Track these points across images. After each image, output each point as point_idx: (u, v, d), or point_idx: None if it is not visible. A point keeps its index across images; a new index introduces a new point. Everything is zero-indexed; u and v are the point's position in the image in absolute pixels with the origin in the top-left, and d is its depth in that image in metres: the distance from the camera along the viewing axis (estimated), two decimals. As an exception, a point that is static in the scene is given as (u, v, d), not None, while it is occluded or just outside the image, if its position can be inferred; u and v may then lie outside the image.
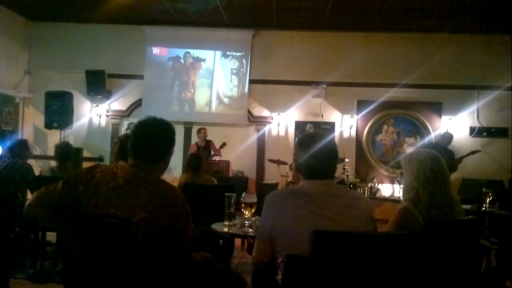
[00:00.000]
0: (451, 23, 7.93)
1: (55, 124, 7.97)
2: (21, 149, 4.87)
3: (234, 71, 8.79)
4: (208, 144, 7.95)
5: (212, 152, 7.87)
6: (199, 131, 8.02)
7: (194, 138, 8.58)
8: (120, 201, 1.77)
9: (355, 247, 1.75)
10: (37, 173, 5.07)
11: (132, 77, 8.84)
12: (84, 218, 1.83)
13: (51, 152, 8.36)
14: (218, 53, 8.83)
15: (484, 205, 4.45)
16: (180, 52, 8.90)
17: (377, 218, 1.97)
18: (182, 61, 8.89)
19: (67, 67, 8.78)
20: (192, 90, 8.82)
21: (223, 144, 7.88)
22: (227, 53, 8.81)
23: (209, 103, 8.81)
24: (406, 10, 7.38)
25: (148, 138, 1.90)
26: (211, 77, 8.83)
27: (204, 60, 8.84)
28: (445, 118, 8.38)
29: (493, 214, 2.82)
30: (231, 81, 8.80)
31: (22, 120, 8.83)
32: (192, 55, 8.88)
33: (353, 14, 7.72)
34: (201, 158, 4.82)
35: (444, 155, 2.39)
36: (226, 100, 8.77)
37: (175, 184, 4.69)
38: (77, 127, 8.66)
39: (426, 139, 8.29)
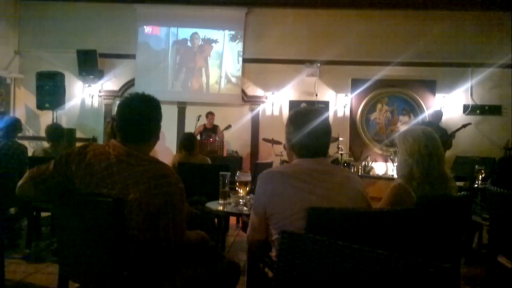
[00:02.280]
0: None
1: (47, 105, 7.89)
2: (14, 130, 4.83)
3: (241, 53, 8.72)
4: (216, 128, 7.96)
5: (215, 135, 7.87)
6: (207, 116, 8.00)
7: (188, 118, 8.57)
8: (113, 180, 1.75)
9: (349, 223, 1.75)
10: (30, 154, 5.05)
11: (125, 56, 8.74)
12: (77, 198, 1.82)
13: (43, 132, 8.25)
14: (227, 36, 8.72)
15: (477, 182, 4.49)
16: (187, 33, 8.77)
17: (371, 196, 1.97)
18: (189, 43, 8.77)
19: (58, 47, 8.66)
20: (202, 78, 8.75)
21: (228, 126, 7.88)
22: (236, 34, 8.71)
23: (218, 82, 8.75)
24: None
25: (134, 117, 1.86)
26: (220, 58, 8.75)
27: (216, 41, 8.73)
28: (439, 96, 8.39)
29: (486, 190, 2.85)
30: (238, 62, 8.74)
31: (14, 101, 8.74)
32: (201, 37, 8.76)
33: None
34: (194, 137, 4.80)
35: (437, 132, 2.40)
36: (234, 79, 8.72)
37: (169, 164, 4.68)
38: (69, 107, 8.58)
39: (420, 118, 8.32)
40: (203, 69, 8.77)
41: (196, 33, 8.78)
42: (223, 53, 8.74)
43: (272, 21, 8.66)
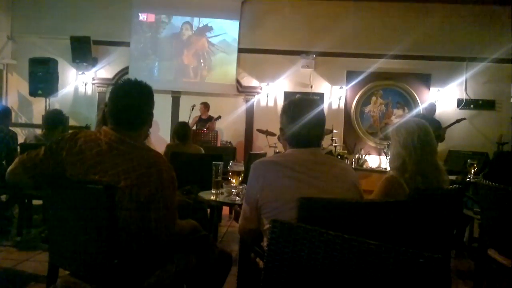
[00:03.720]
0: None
1: (39, 92, 7.81)
2: (4, 117, 4.76)
3: (237, 43, 8.67)
4: (211, 118, 7.91)
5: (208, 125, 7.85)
6: (200, 106, 7.97)
7: (182, 108, 8.53)
8: (104, 167, 1.73)
9: (341, 214, 1.75)
10: (21, 141, 4.99)
11: (119, 44, 8.66)
12: (68, 184, 1.80)
13: (36, 120, 8.26)
14: (225, 25, 8.63)
15: (469, 176, 4.51)
16: (181, 22, 8.68)
17: (364, 189, 1.97)
18: (182, 35, 8.70)
19: (52, 33, 8.55)
20: (198, 71, 8.68)
21: (218, 117, 7.86)
22: (232, 24, 8.62)
23: (218, 73, 8.68)
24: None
25: (126, 104, 1.84)
26: (220, 48, 8.67)
27: (210, 30, 8.62)
28: (433, 90, 8.40)
29: (477, 184, 2.86)
30: (234, 52, 8.67)
31: (6, 88, 8.65)
32: (194, 28, 8.66)
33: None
34: (188, 126, 4.77)
35: (430, 125, 2.40)
36: (230, 70, 8.66)
37: (162, 152, 4.66)
38: (62, 95, 8.49)
39: (414, 111, 8.33)
40: (200, 62, 8.69)
41: (187, 22, 8.69)
42: (220, 44, 8.67)
43: (268, 11, 8.61)
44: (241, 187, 2.75)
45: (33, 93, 7.88)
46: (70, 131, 1.99)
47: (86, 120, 8.20)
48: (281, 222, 1.26)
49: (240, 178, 2.80)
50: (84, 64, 8.50)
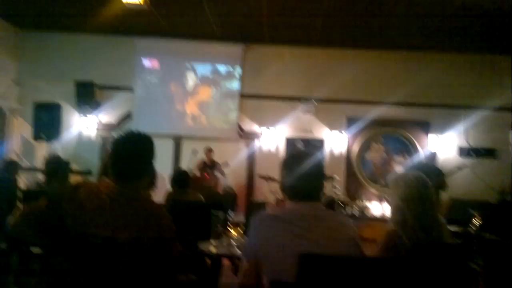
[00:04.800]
0: (439, 42, 8.05)
1: (43, 136, 7.88)
2: (11, 169, 4.82)
3: (238, 89, 8.82)
4: (215, 164, 7.93)
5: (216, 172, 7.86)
6: (205, 152, 7.99)
7: (184, 153, 8.54)
8: (105, 220, 1.74)
9: (342, 270, 1.73)
10: (23, 185, 5.00)
11: (122, 89, 8.78)
12: (69, 238, 1.80)
13: (38, 164, 8.26)
14: (225, 72, 8.82)
15: (472, 227, 4.45)
16: (184, 69, 8.86)
17: (366, 238, 1.96)
18: (184, 81, 8.86)
19: (57, 78, 8.66)
20: (197, 119, 8.82)
21: (226, 163, 7.91)
22: (233, 70, 8.81)
23: (218, 118, 8.78)
24: (395, 29, 7.49)
25: (127, 156, 1.87)
26: (220, 94, 8.80)
27: (214, 76, 8.79)
28: (432, 137, 8.45)
29: (481, 237, 2.83)
30: (235, 98, 8.81)
31: (10, 131, 8.72)
32: (198, 77, 8.84)
33: (343, 30, 7.81)
34: (186, 173, 4.72)
35: (433, 174, 2.41)
36: (231, 115, 8.77)
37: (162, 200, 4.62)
38: (65, 139, 8.54)
39: (415, 159, 8.32)
40: (202, 107, 8.81)
41: (191, 68, 8.85)
42: (222, 90, 8.83)
43: (269, 57, 8.78)
44: (241, 238, 2.73)
45: (36, 137, 7.94)
46: (73, 177, 2.01)
47: (88, 164, 8.22)
48: (281, 283, 1.25)
49: (240, 229, 2.78)
50: (88, 108, 8.55)
